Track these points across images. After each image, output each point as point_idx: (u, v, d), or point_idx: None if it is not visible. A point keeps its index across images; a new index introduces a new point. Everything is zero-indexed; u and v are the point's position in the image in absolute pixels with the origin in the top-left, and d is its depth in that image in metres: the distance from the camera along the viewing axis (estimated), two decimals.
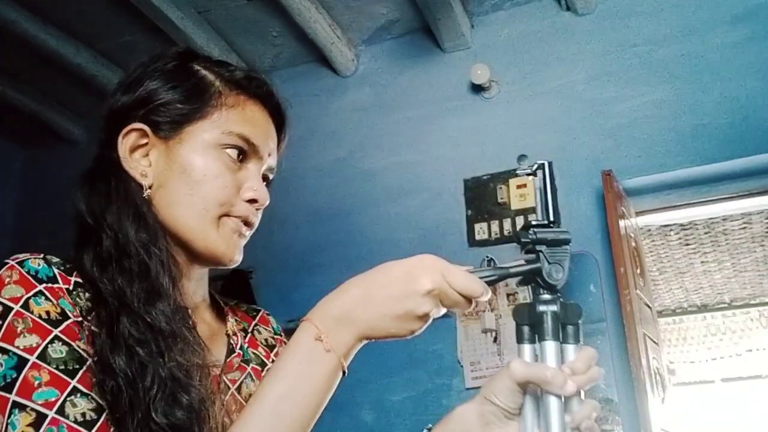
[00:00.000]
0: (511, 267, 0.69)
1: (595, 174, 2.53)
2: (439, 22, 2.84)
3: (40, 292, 0.68)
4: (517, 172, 0.73)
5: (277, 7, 2.84)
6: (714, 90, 2.54)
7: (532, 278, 0.68)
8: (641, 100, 2.63)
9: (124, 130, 0.80)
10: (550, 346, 0.67)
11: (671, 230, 4.20)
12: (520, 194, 2.67)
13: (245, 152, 0.81)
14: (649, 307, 2.53)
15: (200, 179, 0.78)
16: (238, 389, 0.83)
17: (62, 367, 0.65)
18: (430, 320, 0.70)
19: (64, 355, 0.66)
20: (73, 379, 0.65)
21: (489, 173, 2.73)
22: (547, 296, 0.68)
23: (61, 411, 0.63)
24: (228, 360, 0.84)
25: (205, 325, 0.85)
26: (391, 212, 2.87)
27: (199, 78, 0.82)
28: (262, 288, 2.89)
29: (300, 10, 2.79)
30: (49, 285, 0.69)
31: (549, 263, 0.67)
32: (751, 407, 6.31)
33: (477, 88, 2.87)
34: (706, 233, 4.27)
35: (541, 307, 0.67)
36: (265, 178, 0.86)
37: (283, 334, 0.96)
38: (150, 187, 0.78)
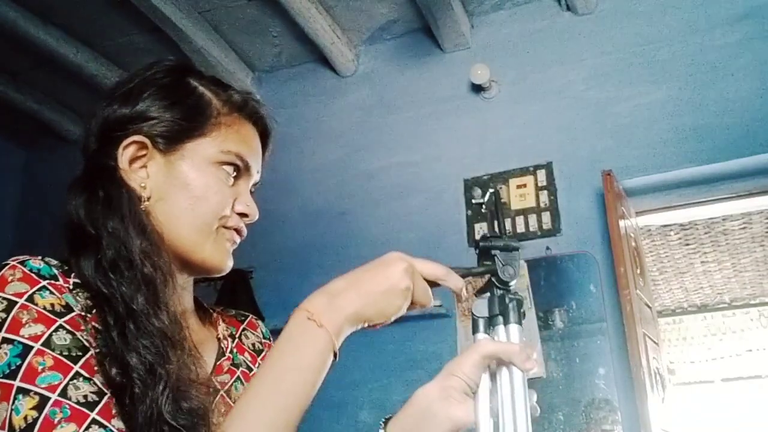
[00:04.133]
0: (473, 268, 0.81)
1: (595, 174, 2.53)
2: (439, 22, 2.84)
3: (45, 287, 0.70)
4: (472, 201, 0.84)
5: (277, 7, 2.84)
6: (714, 90, 2.54)
7: (490, 283, 0.80)
8: (641, 100, 2.63)
9: (125, 142, 0.82)
10: (514, 328, 0.78)
11: (671, 230, 4.20)
12: (520, 194, 2.67)
13: (239, 170, 0.86)
14: (649, 307, 2.54)
15: (201, 194, 0.81)
16: (228, 392, 0.85)
17: (66, 353, 0.67)
18: (409, 300, 0.75)
19: (68, 342, 0.68)
20: (76, 364, 0.67)
21: (489, 173, 2.73)
22: (508, 290, 0.80)
23: (63, 393, 0.65)
24: (218, 363, 0.86)
25: (192, 331, 0.87)
26: (391, 212, 2.87)
27: (199, 96, 0.86)
28: (262, 288, 2.88)
29: (300, 10, 2.79)
30: (52, 281, 0.72)
31: (503, 265, 0.80)
32: (751, 407, 6.31)
33: (477, 88, 2.87)
34: (706, 233, 4.27)
35: (508, 298, 0.79)
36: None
37: (272, 339, 0.98)
38: (148, 199, 0.81)
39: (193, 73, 0.89)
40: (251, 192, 0.91)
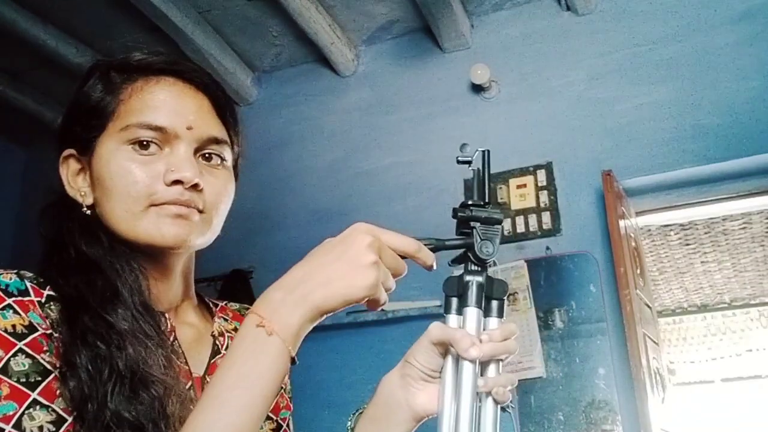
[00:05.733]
0: (447, 239, 0.74)
1: (595, 174, 2.53)
2: (439, 22, 2.84)
3: (9, 306, 0.68)
4: (458, 158, 0.77)
5: (277, 7, 2.84)
6: (714, 90, 2.54)
7: (466, 256, 0.73)
8: (641, 100, 2.63)
9: (61, 158, 0.83)
10: (471, 312, 0.72)
11: (671, 230, 4.20)
12: (520, 194, 2.68)
13: (153, 138, 0.77)
14: (649, 307, 2.54)
15: (112, 184, 0.77)
16: None
17: (23, 379, 0.65)
18: (379, 274, 0.68)
19: (26, 367, 0.65)
20: (33, 391, 0.65)
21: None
22: (474, 268, 0.73)
23: (18, 425, 0.62)
24: (212, 361, 0.84)
25: (188, 327, 0.86)
26: (391, 212, 2.87)
27: (103, 84, 0.81)
28: (262, 288, 2.85)
29: (300, 10, 2.79)
30: (19, 299, 0.69)
31: (481, 239, 0.72)
32: (751, 407, 6.31)
33: (477, 88, 2.87)
34: (706, 233, 4.27)
35: (468, 277, 0.73)
36: (208, 155, 0.81)
37: None
38: (90, 206, 0.80)
39: (99, 66, 0.83)
40: (218, 154, 0.82)
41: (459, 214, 0.74)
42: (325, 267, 0.68)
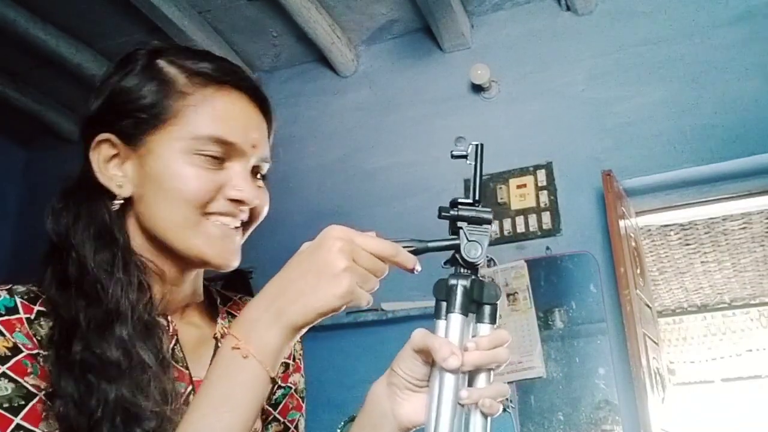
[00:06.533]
0: (430, 241, 0.70)
1: (595, 174, 2.53)
2: (439, 22, 2.84)
3: None
4: (452, 152, 0.73)
5: (277, 7, 2.84)
6: (714, 90, 2.54)
7: (455, 258, 0.69)
8: (641, 100, 2.63)
9: (94, 142, 0.77)
10: (455, 318, 0.67)
11: (671, 230, 4.20)
12: (520, 194, 2.67)
13: (222, 153, 0.76)
14: (649, 307, 2.53)
15: (174, 187, 0.74)
16: None
17: (6, 405, 0.63)
18: (356, 278, 0.65)
19: (9, 392, 0.64)
20: (17, 416, 0.63)
21: (489, 173, 2.72)
22: (461, 272, 0.69)
23: None
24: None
25: (193, 327, 0.84)
26: (391, 212, 2.87)
27: (161, 80, 0.77)
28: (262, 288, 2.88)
29: (300, 10, 2.79)
30: (6, 318, 0.67)
31: (468, 240, 0.68)
32: (751, 407, 6.31)
33: (477, 88, 2.87)
34: (706, 233, 4.27)
35: (452, 281, 0.68)
36: (257, 170, 0.81)
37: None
38: (127, 199, 0.76)
39: (162, 52, 0.79)
40: (262, 173, 0.81)
41: (443, 213, 0.70)
42: (296, 281, 0.66)
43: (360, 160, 3.04)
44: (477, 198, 0.71)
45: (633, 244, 2.52)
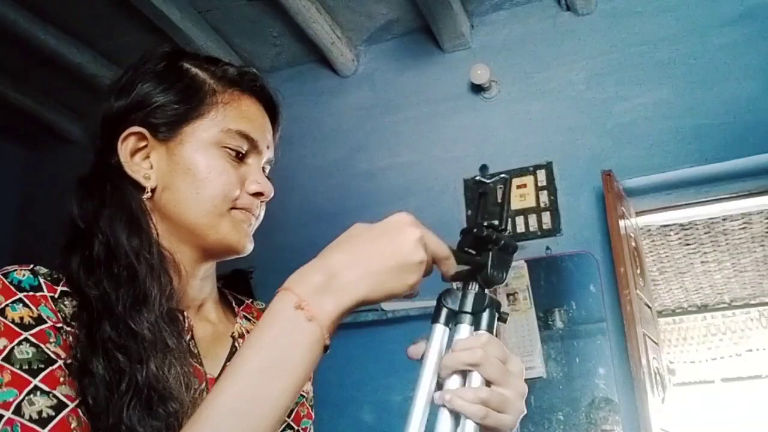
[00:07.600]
0: (472, 255, 0.70)
1: (595, 174, 2.53)
2: (439, 22, 2.84)
3: (19, 300, 0.67)
4: (477, 178, 0.75)
5: (277, 7, 2.84)
6: (714, 90, 2.54)
7: (470, 274, 0.69)
8: (641, 100, 2.63)
9: (123, 135, 0.80)
10: (438, 328, 0.69)
11: (671, 230, 4.20)
12: (520, 194, 2.68)
13: (246, 148, 0.82)
14: (649, 307, 2.54)
15: (205, 177, 0.79)
16: None
17: (26, 366, 0.64)
18: (422, 275, 0.65)
19: (30, 356, 0.65)
20: (35, 378, 0.64)
21: (489, 173, 2.72)
22: (488, 289, 0.69)
23: (17, 410, 0.62)
24: (228, 364, 0.82)
25: (208, 324, 0.85)
26: (391, 212, 2.86)
27: (191, 77, 0.83)
28: (262, 288, 2.88)
29: (300, 10, 2.79)
30: (31, 293, 0.69)
31: (496, 263, 0.68)
32: (751, 407, 6.31)
33: (477, 88, 2.87)
34: (706, 233, 4.27)
35: (489, 299, 0.69)
36: (263, 170, 0.87)
37: None
38: (153, 190, 0.79)
39: (185, 55, 0.87)
40: (264, 170, 0.87)
41: (476, 232, 0.68)
42: (372, 257, 0.63)
43: (360, 160, 3.04)
44: (504, 227, 0.71)
45: (633, 244, 2.52)
